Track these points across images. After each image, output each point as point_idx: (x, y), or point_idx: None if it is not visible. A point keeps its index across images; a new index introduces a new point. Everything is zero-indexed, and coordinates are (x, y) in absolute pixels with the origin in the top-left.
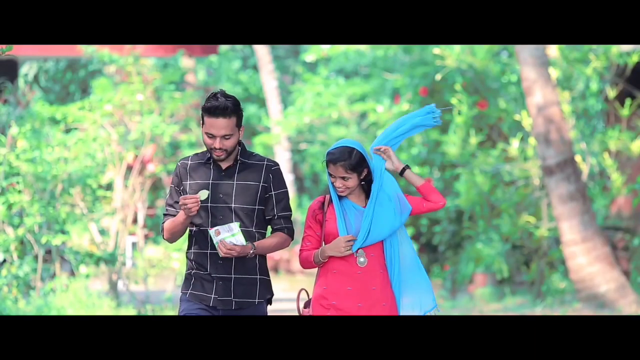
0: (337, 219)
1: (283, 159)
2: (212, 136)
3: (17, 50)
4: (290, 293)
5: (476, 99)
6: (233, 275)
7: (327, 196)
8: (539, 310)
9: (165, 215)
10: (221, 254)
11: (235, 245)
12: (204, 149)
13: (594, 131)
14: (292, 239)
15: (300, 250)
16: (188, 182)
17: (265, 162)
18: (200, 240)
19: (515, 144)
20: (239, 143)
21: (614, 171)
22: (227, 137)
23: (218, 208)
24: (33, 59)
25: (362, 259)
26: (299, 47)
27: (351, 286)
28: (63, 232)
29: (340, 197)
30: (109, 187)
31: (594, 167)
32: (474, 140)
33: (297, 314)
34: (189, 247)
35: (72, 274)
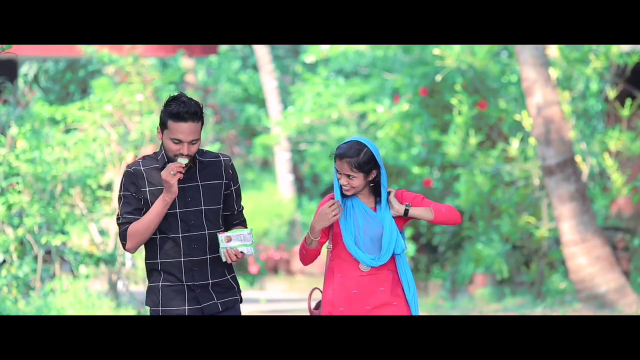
0: (340, 218)
1: (283, 159)
2: (178, 142)
3: (17, 50)
4: (289, 294)
5: (476, 99)
6: (210, 281)
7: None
8: (539, 311)
9: (123, 224)
10: (228, 261)
11: (245, 254)
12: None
13: (594, 131)
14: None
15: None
16: (147, 189)
17: (221, 158)
18: (170, 248)
19: (515, 144)
20: None
21: (614, 171)
22: (194, 142)
23: (188, 213)
24: (32, 59)
25: (364, 265)
26: (299, 47)
27: (357, 289)
28: (63, 232)
29: (346, 196)
30: (109, 187)
31: (594, 168)
32: (473, 140)
33: (298, 314)
34: (152, 257)
35: (72, 274)
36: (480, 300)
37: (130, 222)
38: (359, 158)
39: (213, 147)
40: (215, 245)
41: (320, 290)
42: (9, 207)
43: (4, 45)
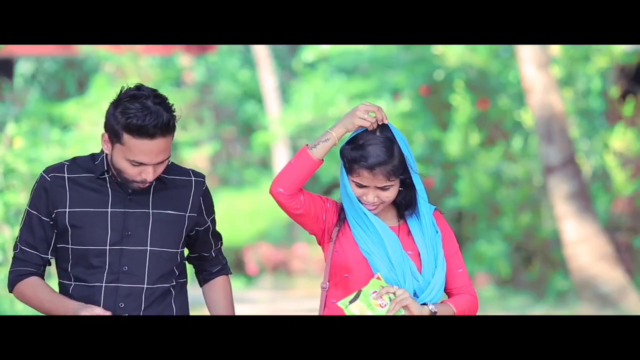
0: (359, 240)
1: (282, 159)
2: (139, 164)
3: (14, 49)
4: (289, 294)
5: (477, 97)
6: None
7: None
8: (541, 311)
9: (18, 260)
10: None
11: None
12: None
13: (597, 130)
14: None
15: None
16: (67, 210)
17: (192, 178)
18: (86, 302)
19: (516, 142)
20: None
21: (616, 170)
22: (163, 162)
23: (125, 252)
24: (30, 58)
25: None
26: (298, 45)
27: None
28: None
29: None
30: None
31: (597, 166)
32: (475, 139)
33: (297, 314)
34: None
35: None
36: (482, 300)
37: (25, 264)
38: (395, 160)
39: (211, 146)
40: (158, 306)
41: None
42: (7, 206)
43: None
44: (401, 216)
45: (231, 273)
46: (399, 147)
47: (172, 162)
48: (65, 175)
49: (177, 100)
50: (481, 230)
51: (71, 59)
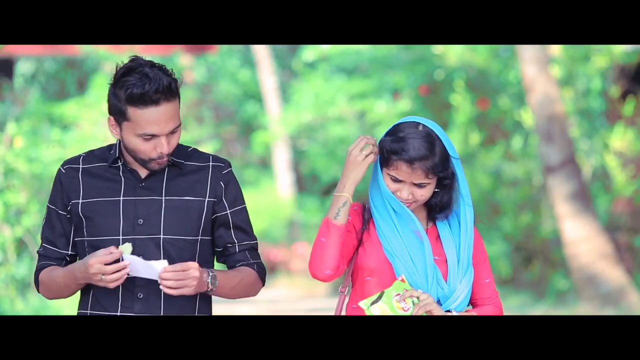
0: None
1: (282, 158)
2: (151, 137)
3: (14, 49)
4: (289, 294)
5: (477, 97)
6: None
7: (368, 205)
8: (541, 310)
9: (41, 257)
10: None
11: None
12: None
13: (597, 130)
14: (264, 284)
15: None
16: (80, 201)
17: (210, 163)
18: (104, 297)
19: (516, 142)
20: None
21: (616, 170)
22: (174, 131)
23: (137, 242)
24: (30, 58)
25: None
26: (298, 45)
27: None
28: None
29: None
30: None
31: (597, 166)
32: (475, 138)
33: (298, 314)
34: (82, 305)
35: None
36: None
37: (47, 259)
38: (436, 157)
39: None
40: (179, 299)
41: None
42: (6, 206)
43: None
44: (431, 219)
45: (263, 281)
46: (441, 143)
47: (194, 149)
48: (80, 166)
49: None
50: (481, 230)
51: (71, 59)
